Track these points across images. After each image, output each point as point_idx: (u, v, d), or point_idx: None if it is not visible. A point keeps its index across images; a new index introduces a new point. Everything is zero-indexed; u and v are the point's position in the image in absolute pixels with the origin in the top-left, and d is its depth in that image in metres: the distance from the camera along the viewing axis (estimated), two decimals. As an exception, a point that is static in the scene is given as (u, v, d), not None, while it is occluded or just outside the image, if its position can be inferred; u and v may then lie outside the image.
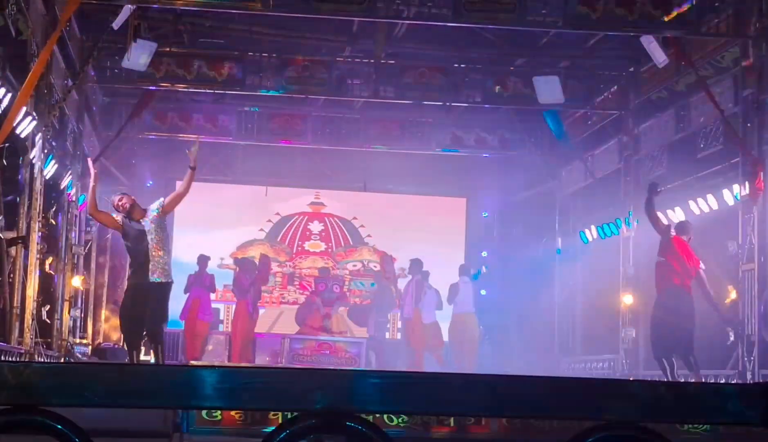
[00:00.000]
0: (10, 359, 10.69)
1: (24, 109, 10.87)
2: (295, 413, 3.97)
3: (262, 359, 17.51)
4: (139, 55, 13.77)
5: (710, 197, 13.92)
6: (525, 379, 4.11)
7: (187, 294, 16.87)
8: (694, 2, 12.69)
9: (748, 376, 11.91)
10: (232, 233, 19.27)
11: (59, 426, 3.77)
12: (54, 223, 14.42)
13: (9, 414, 3.74)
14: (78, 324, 16.66)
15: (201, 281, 17.03)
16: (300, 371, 5.83)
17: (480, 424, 7.58)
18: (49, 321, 14.09)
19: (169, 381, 4.03)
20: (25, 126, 11.46)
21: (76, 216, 15.64)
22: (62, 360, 14.20)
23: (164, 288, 10.32)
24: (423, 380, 4.12)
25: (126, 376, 4.04)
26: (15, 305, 11.76)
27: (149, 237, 10.22)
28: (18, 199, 12.14)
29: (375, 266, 20.44)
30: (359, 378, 4.02)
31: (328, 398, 3.83)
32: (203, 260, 17.32)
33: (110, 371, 4.02)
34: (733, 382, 11.97)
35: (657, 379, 11.48)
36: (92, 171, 10.38)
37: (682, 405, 4.03)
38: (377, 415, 5.28)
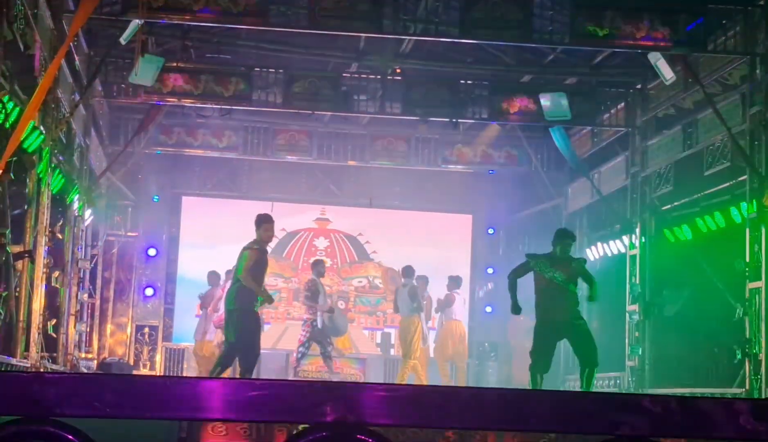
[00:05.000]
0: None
1: (31, 123, 10.89)
2: (304, 426, 3.96)
3: (267, 376, 17.43)
4: (146, 70, 13.80)
5: (717, 215, 13.90)
6: (536, 393, 4.10)
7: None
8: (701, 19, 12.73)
9: (755, 394, 11.85)
10: (237, 249, 19.18)
11: (70, 436, 3.77)
12: (60, 237, 14.42)
13: (20, 424, 3.74)
14: (83, 338, 16.64)
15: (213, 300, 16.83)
16: (309, 383, 5.81)
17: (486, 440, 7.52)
18: (54, 335, 14.07)
19: (178, 393, 4.03)
20: (33, 140, 11.47)
21: (82, 230, 15.64)
22: (67, 375, 14.17)
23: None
24: (433, 394, 4.11)
25: (135, 387, 4.03)
26: (21, 318, 11.74)
27: None
28: (25, 213, 12.14)
29: (381, 283, 20.42)
30: (369, 391, 4.00)
31: (338, 411, 3.82)
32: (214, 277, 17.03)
33: (120, 383, 4.02)
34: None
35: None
36: None
37: (694, 421, 4.02)
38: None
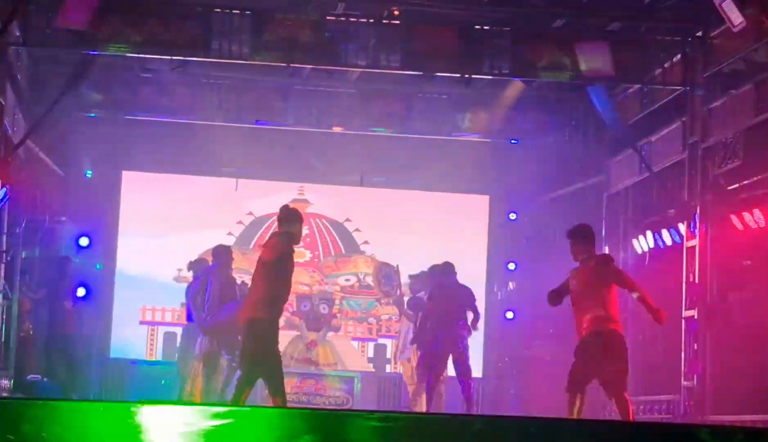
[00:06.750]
0: None
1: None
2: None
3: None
4: (78, 12, 13.79)
5: (797, 196, 13.97)
6: (566, 423, 4.12)
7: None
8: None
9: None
10: (192, 238, 19.27)
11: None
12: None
13: None
14: (-3, 352, 16.68)
15: None
16: (285, 411, 5.85)
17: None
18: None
19: (118, 422, 4.05)
20: (-67, 100, 11.48)
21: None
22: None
23: None
24: (438, 423, 4.13)
25: (61, 415, 4.05)
26: None
27: None
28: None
29: (372, 281, 20.46)
30: (356, 420, 4.04)
31: (319, 445, 3.86)
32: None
33: (40, 409, 4.03)
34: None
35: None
36: None
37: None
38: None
